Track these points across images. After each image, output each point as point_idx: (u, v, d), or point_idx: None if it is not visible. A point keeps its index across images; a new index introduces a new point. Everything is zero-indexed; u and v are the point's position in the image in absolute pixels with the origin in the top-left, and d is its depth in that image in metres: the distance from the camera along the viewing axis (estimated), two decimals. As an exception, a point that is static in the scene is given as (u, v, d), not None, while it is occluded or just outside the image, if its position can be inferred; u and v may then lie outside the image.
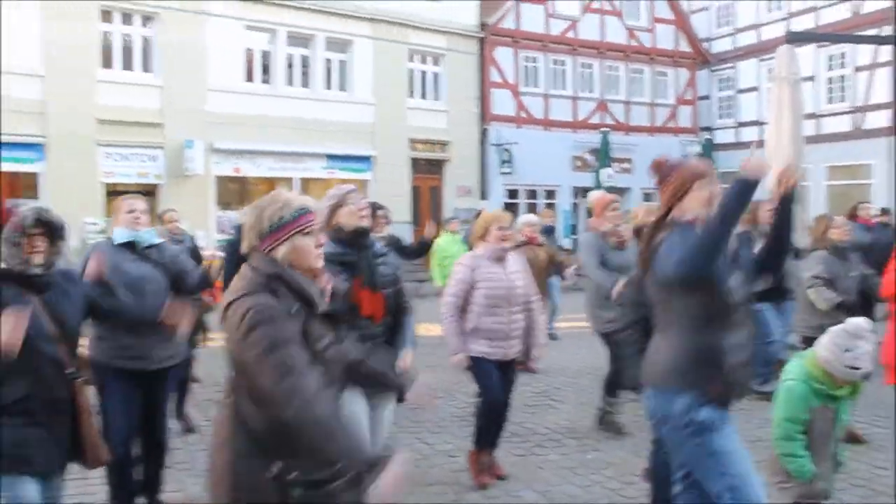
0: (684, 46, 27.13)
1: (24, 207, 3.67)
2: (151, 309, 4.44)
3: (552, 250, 9.40)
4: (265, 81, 19.97)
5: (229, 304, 2.55)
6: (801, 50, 23.56)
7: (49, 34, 16.61)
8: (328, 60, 20.87)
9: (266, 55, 20.00)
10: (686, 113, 27.44)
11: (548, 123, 24.44)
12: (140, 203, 4.82)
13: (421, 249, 8.68)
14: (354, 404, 3.87)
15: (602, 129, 22.75)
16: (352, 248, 4.10)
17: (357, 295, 4.02)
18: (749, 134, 25.43)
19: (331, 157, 20.44)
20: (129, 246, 4.65)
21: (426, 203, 21.97)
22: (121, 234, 4.68)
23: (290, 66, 20.33)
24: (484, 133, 23.35)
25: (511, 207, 21.08)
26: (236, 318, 2.49)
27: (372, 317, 4.08)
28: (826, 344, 3.60)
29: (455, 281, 5.38)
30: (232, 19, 19.02)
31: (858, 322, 3.58)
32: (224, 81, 18.89)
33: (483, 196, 22.75)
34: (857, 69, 22.88)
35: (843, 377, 3.56)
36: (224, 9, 18.85)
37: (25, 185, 16.94)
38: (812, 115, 23.81)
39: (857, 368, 3.51)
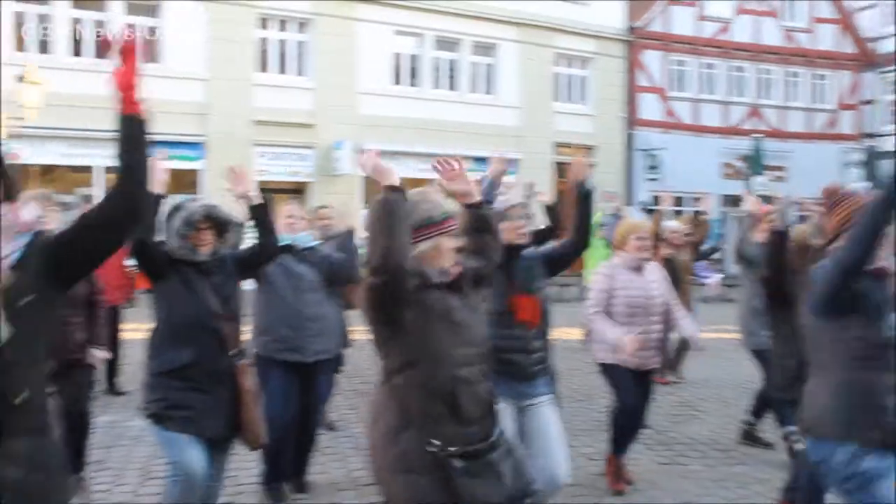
0: (847, 47, 25.67)
1: (193, 203, 3.91)
2: (308, 304, 4.87)
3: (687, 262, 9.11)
4: (413, 84, 20.35)
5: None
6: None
7: (211, 40, 17.59)
8: (474, 64, 21.05)
9: (414, 59, 20.38)
10: (848, 118, 25.94)
11: (697, 129, 23.72)
12: (297, 209, 5.17)
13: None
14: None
15: (754, 136, 21.88)
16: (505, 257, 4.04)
17: (512, 300, 3.98)
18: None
19: (476, 159, 20.52)
20: (288, 248, 4.89)
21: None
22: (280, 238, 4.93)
23: (436, 69, 20.64)
24: (630, 138, 22.91)
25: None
26: (364, 291, 2.73)
27: (529, 322, 4.04)
28: None
29: (595, 291, 5.33)
30: (382, 24, 19.49)
31: None
32: (373, 84, 19.40)
33: (628, 202, 22.31)
34: None
35: None
36: (374, 14, 19.34)
37: (187, 181, 17.95)
38: None
39: None
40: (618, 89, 22.69)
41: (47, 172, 17.57)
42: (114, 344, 7.53)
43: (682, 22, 23.57)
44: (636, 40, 22.89)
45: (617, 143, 22.67)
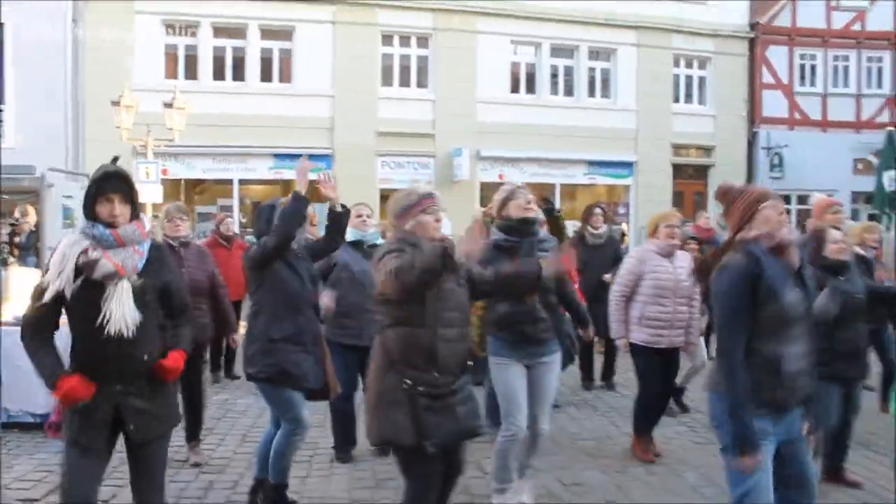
0: None
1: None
2: (368, 296, 5.50)
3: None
4: (530, 92, 20.96)
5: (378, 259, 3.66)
6: None
7: (338, 59, 18.92)
8: (591, 69, 21.43)
9: (531, 67, 20.99)
10: None
11: (826, 124, 23.08)
12: (366, 209, 5.94)
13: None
14: (512, 375, 4.58)
15: (889, 129, 21.09)
16: (516, 235, 4.69)
17: None
18: None
19: (592, 163, 20.99)
20: (357, 244, 5.71)
21: (689, 208, 21.71)
22: (351, 234, 5.75)
23: (553, 76, 21.17)
24: (753, 136, 22.62)
25: (782, 213, 20.23)
26: (380, 260, 3.59)
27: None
28: None
29: (625, 272, 5.90)
30: (499, 35, 20.24)
31: None
32: (491, 93, 20.15)
33: (750, 201, 22.01)
34: None
35: None
36: (492, 26, 20.10)
37: (318, 191, 19.31)
38: None
39: None
40: (739, 88, 22.42)
41: (196, 186, 19.40)
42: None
43: (810, 14, 22.89)
44: (760, 36, 22.54)
45: (738, 143, 22.44)
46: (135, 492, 3.46)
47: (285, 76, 19.09)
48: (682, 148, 21.91)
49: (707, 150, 22.25)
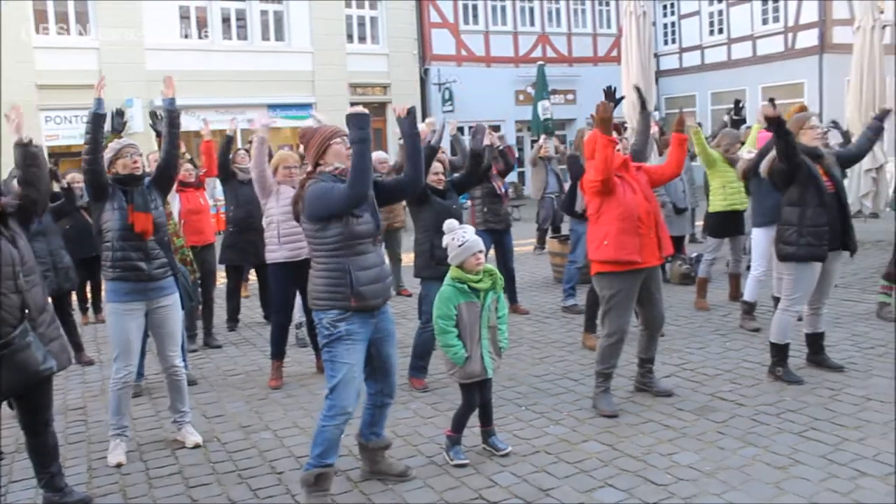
0: (627, -26, 27.42)
1: None
2: None
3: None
4: (202, 37, 20.67)
5: None
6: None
7: (-19, 5, 17.33)
8: (264, 12, 21.50)
9: (201, 10, 20.65)
10: (629, 41, 27.86)
11: (489, 60, 25.08)
12: None
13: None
14: (126, 322, 4.93)
15: (539, 63, 23.37)
16: (127, 186, 4.96)
17: (131, 217, 4.91)
18: (692, 59, 26.09)
19: (272, 106, 21.19)
20: None
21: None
22: None
23: (225, 20, 20.99)
24: (425, 73, 24.02)
25: (456, 144, 21.85)
26: None
27: (144, 232, 4.94)
28: (447, 248, 4.63)
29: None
30: (166, -22, 19.63)
31: (448, 223, 4.68)
32: (161, 40, 19.59)
33: (426, 135, 23.47)
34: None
35: (463, 256, 4.54)
36: (157, -32, 19.43)
37: (-25, 152, 17.83)
38: (749, 37, 24.66)
39: (461, 244, 4.54)
40: (410, 27, 23.66)
41: None
42: None
43: (470, -41, 24.62)
44: (426, -22, 23.84)
45: (412, 80, 23.77)
46: None
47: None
48: (359, 87, 22.81)
49: (384, 88, 23.32)
